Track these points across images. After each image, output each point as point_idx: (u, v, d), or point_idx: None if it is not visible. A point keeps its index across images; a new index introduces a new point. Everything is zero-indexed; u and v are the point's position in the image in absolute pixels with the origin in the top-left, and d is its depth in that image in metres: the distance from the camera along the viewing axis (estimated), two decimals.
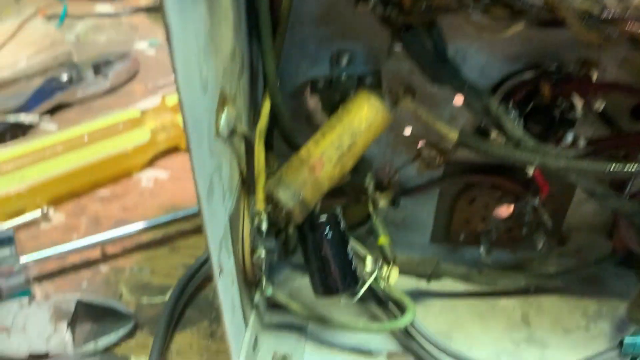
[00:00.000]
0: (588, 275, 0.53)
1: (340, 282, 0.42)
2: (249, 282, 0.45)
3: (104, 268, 0.56)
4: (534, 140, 0.42)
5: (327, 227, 0.41)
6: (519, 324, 0.51)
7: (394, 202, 0.54)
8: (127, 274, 0.56)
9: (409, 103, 0.44)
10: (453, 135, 0.43)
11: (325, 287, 0.42)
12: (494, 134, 0.44)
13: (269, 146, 0.46)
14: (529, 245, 0.54)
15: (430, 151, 0.49)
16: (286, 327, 0.50)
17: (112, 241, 0.57)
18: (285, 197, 0.38)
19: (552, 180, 0.49)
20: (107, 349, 0.48)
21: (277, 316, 0.51)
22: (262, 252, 0.40)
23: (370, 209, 0.49)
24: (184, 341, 0.50)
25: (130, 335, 0.50)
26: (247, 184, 0.40)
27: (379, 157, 0.50)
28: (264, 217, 0.40)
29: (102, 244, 0.57)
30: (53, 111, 0.75)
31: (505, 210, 0.53)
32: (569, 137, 0.43)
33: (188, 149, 0.29)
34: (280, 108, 0.40)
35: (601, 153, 0.43)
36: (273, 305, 0.51)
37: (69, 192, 0.63)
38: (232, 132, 0.35)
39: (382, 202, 0.48)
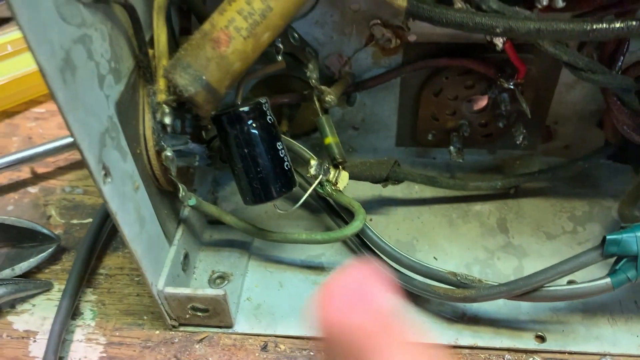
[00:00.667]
0: (577, 173, 0.46)
1: (270, 186, 0.35)
2: (169, 193, 0.38)
3: (32, 189, 0.51)
4: (497, 2, 0.34)
5: (251, 119, 0.34)
6: (495, 230, 0.44)
7: (348, 99, 0.46)
8: (57, 194, 0.50)
9: None
10: (401, 1, 0.35)
11: (254, 192, 0.35)
12: (458, 3, 0.36)
13: (186, 31, 0.38)
14: (509, 143, 0.47)
15: (384, 31, 0.41)
16: (229, 244, 0.44)
17: (43, 160, 0.51)
18: (184, 80, 0.31)
19: (530, 61, 0.41)
20: (27, 275, 0.43)
21: (219, 233, 0.45)
22: (168, 152, 0.34)
23: (316, 104, 0.41)
24: (114, 264, 0.44)
25: (55, 259, 0.45)
26: (142, 70, 0.33)
27: (325, 43, 0.43)
28: (167, 109, 0.33)
29: (32, 162, 0.51)
30: None
31: (477, 101, 0.45)
32: None
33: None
34: None
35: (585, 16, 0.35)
36: (215, 221, 0.45)
37: None
38: None
39: (329, 97, 0.41)
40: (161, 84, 0.33)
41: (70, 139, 0.51)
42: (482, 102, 0.45)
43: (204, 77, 0.31)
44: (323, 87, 0.41)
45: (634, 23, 0.31)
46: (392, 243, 0.39)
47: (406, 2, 0.35)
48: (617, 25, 0.31)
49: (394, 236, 0.44)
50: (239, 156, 0.35)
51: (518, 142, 0.44)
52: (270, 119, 0.35)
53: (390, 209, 0.46)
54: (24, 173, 0.52)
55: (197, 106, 0.32)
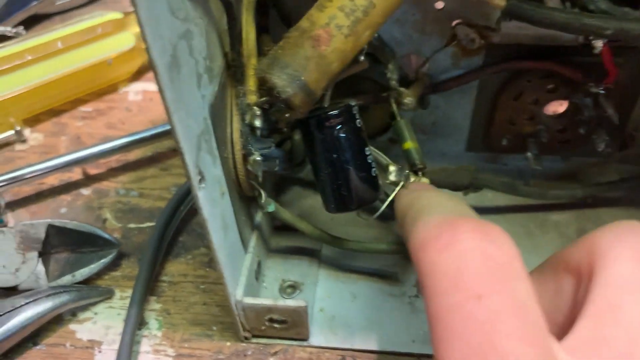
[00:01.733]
0: None
1: (358, 193, 0.33)
2: (245, 199, 0.37)
3: (85, 191, 0.49)
4: (607, 2, 0.32)
5: (340, 123, 0.32)
6: (575, 240, 0.42)
7: (422, 102, 0.44)
8: (112, 197, 0.48)
9: None
10: (499, 1, 0.33)
11: (339, 200, 0.34)
12: (550, 2, 0.34)
13: (264, 28, 0.37)
14: (585, 150, 0.45)
15: (468, 31, 0.39)
16: (297, 252, 0.43)
17: (94, 161, 0.50)
18: (281, 81, 0.29)
19: (619, 65, 0.39)
20: (88, 281, 0.41)
21: (287, 240, 0.43)
22: (257, 157, 0.32)
23: (393, 107, 0.40)
24: (177, 270, 0.42)
25: (114, 265, 0.43)
26: (233, 69, 0.31)
27: (403, 43, 0.41)
28: (258, 112, 0.31)
29: (83, 163, 0.49)
30: (28, 23, 0.65)
31: (558, 106, 0.43)
32: None
33: None
34: None
35: None
36: (282, 227, 0.43)
37: (45, 109, 0.55)
38: None
39: (408, 99, 0.39)
40: (251, 84, 0.31)
41: (122, 140, 0.50)
42: (562, 106, 0.43)
43: (302, 78, 0.29)
44: (401, 89, 0.39)
45: None
46: None
47: (505, 1, 0.33)
48: None
49: None
50: (326, 161, 0.33)
51: (600, 150, 0.42)
52: (359, 123, 0.33)
53: None
54: (76, 174, 0.50)
55: (293, 108, 0.30)
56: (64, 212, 0.47)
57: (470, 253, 0.21)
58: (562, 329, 0.22)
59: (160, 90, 0.23)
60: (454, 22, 0.39)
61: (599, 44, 0.35)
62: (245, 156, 0.32)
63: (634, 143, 0.46)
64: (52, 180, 0.49)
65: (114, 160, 0.51)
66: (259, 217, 0.40)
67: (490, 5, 0.33)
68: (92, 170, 0.50)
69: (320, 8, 0.29)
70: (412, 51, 0.41)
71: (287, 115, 0.31)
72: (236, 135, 0.32)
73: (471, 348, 0.19)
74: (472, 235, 0.22)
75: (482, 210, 0.45)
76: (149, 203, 0.47)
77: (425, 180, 0.38)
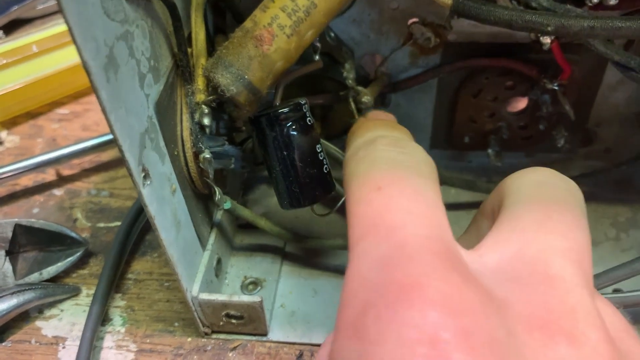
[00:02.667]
0: (619, 178, 0.45)
1: (309, 189, 0.34)
2: (204, 197, 0.37)
3: (58, 192, 0.50)
4: None
5: (290, 121, 0.33)
6: None
7: (382, 100, 0.45)
8: (83, 197, 0.49)
9: None
10: None
11: (291, 196, 0.34)
12: (502, 1, 0.35)
13: (220, 29, 0.37)
14: (547, 146, 0.45)
15: (423, 30, 0.39)
16: (260, 249, 0.43)
17: (68, 161, 0.50)
18: (225, 79, 0.30)
19: (575, 61, 0.40)
20: (55, 279, 0.42)
21: (250, 238, 0.44)
22: (207, 155, 0.32)
23: (352, 106, 0.40)
24: (143, 268, 0.43)
25: (82, 263, 0.44)
26: (181, 69, 0.31)
27: (362, 43, 0.42)
28: (206, 110, 0.32)
29: (57, 164, 0.50)
30: (9, 27, 0.66)
31: (517, 103, 0.44)
32: None
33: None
34: None
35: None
36: (246, 225, 0.44)
37: (22, 112, 0.56)
38: None
39: (366, 98, 0.40)
40: (200, 83, 0.32)
41: (94, 141, 0.51)
42: (522, 103, 0.44)
43: (246, 77, 0.30)
44: (359, 88, 0.40)
45: None
46: None
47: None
48: None
49: None
50: (277, 159, 0.34)
51: (559, 145, 0.43)
52: (310, 121, 0.34)
53: None
54: (49, 175, 0.51)
55: (239, 106, 0.31)
56: (36, 212, 0.48)
57: (380, 158, 0.23)
58: None
59: (95, 90, 0.24)
60: (410, 21, 0.40)
61: (546, 40, 0.35)
62: (196, 154, 0.33)
63: (597, 139, 0.46)
64: (26, 182, 0.50)
65: (87, 161, 0.52)
66: (219, 215, 0.40)
67: (438, 4, 0.34)
68: (66, 171, 0.51)
69: (263, 9, 0.30)
70: (371, 51, 0.42)
71: (235, 113, 0.32)
72: (186, 134, 0.32)
73: (366, 227, 0.20)
74: (386, 144, 0.24)
75: (446, 207, 0.45)
76: (118, 203, 0.48)
77: None
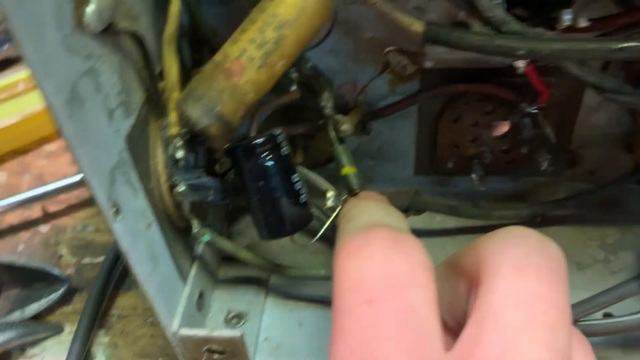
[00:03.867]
0: (606, 199, 0.44)
1: (287, 220, 0.34)
2: (184, 230, 0.37)
3: (44, 228, 0.50)
4: (519, 23, 0.33)
5: (265, 151, 0.33)
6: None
7: (363, 128, 0.45)
8: (69, 233, 0.49)
9: None
10: (417, 26, 0.34)
11: (270, 226, 0.34)
12: (476, 27, 0.35)
13: (198, 62, 0.38)
14: (531, 170, 0.45)
15: (399, 57, 0.40)
16: (244, 281, 0.43)
17: (54, 197, 0.50)
18: (196, 112, 0.30)
19: (553, 84, 0.40)
20: (38, 317, 0.42)
21: (234, 270, 0.44)
22: (181, 187, 0.32)
23: (331, 135, 0.40)
24: (127, 304, 0.43)
25: (66, 300, 0.43)
26: (154, 103, 0.32)
27: (340, 72, 0.42)
28: (179, 143, 0.32)
29: (43, 200, 0.50)
30: (1, 66, 0.67)
31: (498, 127, 0.44)
32: (566, 17, 0.33)
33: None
34: (193, 6, 0.32)
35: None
36: (229, 257, 0.43)
37: (10, 149, 0.57)
38: (110, 28, 0.27)
39: (345, 126, 0.40)
40: (173, 117, 0.32)
41: (80, 176, 0.51)
42: (504, 127, 0.44)
43: (217, 109, 0.30)
44: (338, 117, 0.40)
45: None
46: None
47: (422, 26, 0.34)
48: None
49: None
50: (254, 189, 0.33)
51: (543, 168, 0.43)
52: (284, 151, 0.34)
53: None
54: (35, 211, 0.51)
55: (211, 138, 0.31)
56: (21, 249, 0.48)
57: (374, 259, 0.21)
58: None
59: (58, 125, 0.24)
60: (386, 50, 0.40)
61: (520, 64, 0.35)
62: (171, 187, 0.33)
63: (582, 161, 0.46)
64: (12, 219, 0.50)
65: (74, 197, 0.52)
66: (200, 248, 0.40)
67: (410, 32, 0.34)
68: (52, 207, 0.51)
69: (232, 42, 0.30)
70: (349, 80, 0.42)
71: (210, 145, 0.32)
72: (161, 167, 0.32)
73: (351, 350, 0.19)
74: (381, 242, 0.22)
75: (431, 233, 0.45)
76: (105, 238, 0.48)
77: None
